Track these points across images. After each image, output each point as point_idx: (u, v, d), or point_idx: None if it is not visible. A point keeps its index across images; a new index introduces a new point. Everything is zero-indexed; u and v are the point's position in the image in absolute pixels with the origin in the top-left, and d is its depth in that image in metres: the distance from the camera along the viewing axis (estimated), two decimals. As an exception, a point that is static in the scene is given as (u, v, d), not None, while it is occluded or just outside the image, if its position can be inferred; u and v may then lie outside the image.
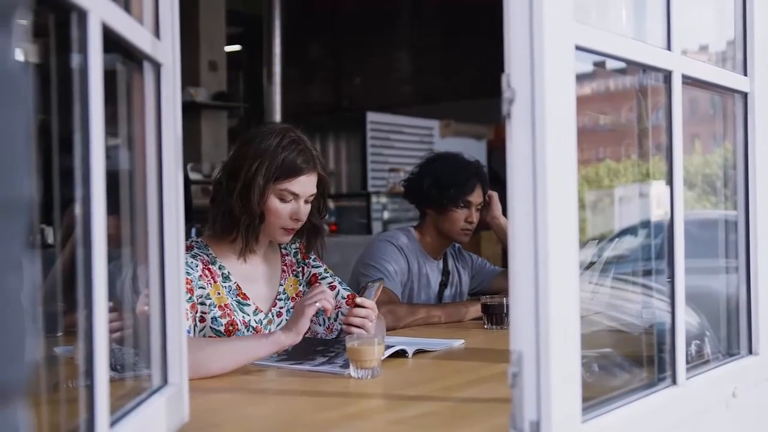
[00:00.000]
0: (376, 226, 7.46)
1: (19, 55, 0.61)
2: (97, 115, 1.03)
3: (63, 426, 1.16)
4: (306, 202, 2.26)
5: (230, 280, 2.25)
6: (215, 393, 1.79)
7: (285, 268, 2.41)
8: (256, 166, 2.19)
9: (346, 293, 2.40)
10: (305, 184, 2.24)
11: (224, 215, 2.23)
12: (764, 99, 1.84)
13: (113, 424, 1.11)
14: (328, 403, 1.71)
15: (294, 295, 2.39)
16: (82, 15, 1.01)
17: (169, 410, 1.36)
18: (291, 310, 2.35)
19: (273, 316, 2.32)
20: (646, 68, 1.57)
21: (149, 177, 1.38)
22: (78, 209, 1.02)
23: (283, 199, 2.23)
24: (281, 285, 2.38)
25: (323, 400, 1.73)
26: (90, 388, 1.03)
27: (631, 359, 1.73)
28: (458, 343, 2.37)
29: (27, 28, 0.64)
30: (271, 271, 2.37)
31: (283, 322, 2.31)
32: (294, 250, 2.45)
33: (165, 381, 1.40)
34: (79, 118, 1.02)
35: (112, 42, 1.13)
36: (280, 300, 2.36)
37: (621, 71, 1.71)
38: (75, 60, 1.03)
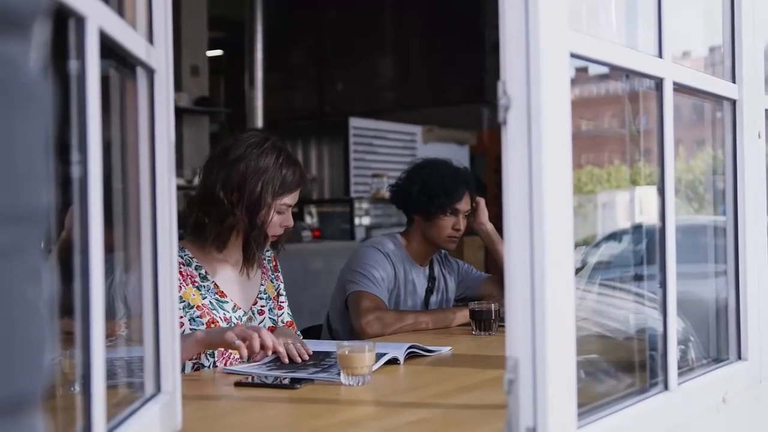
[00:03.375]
0: (359, 232, 7.45)
1: (37, 63, 0.61)
2: (95, 120, 1.03)
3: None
4: (292, 209, 2.38)
5: (208, 280, 2.31)
6: (208, 401, 1.79)
7: (264, 270, 2.49)
8: (261, 185, 2.26)
9: (287, 318, 2.47)
10: (297, 196, 2.37)
11: (228, 230, 2.29)
12: (752, 106, 1.86)
13: (109, 432, 1.10)
14: (320, 411, 1.70)
15: (273, 297, 2.48)
16: (80, 21, 1.00)
17: (163, 418, 1.35)
18: (272, 309, 2.45)
19: (254, 314, 2.40)
20: (638, 75, 1.58)
21: (142, 183, 1.37)
22: (75, 215, 1.01)
23: (280, 212, 2.33)
24: (262, 285, 2.46)
25: (315, 408, 1.72)
26: (87, 396, 1.02)
27: (620, 365, 1.73)
28: (446, 349, 2.37)
29: (45, 36, 0.64)
30: (243, 273, 2.41)
31: (266, 320, 2.41)
32: (268, 258, 2.54)
33: (158, 389, 1.39)
34: (76, 124, 1.01)
35: (107, 48, 1.12)
36: (261, 299, 2.44)
37: (603, 77, 1.72)
38: (72, 66, 1.02)
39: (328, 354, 2.19)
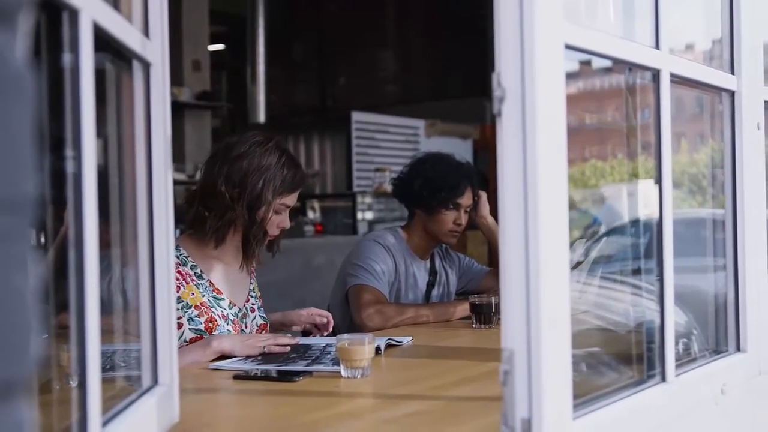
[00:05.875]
0: (362, 227, 7.46)
1: (22, 53, 0.61)
2: (89, 114, 1.03)
3: (53, 427, 1.16)
4: (290, 210, 2.40)
5: (204, 278, 2.33)
6: (205, 393, 1.79)
7: (252, 270, 2.52)
8: (262, 182, 2.29)
9: (260, 321, 2.48)
10: (296, 197, 2.40)
11: (227, 225, 2.31)
12: (751, 97, 1.85)
13: (105, 424, 1.11)
14: (318, 403, 1.70)
15: (259, 296, 2.52)
16: (74, 14, 1.00)
17: (160, 410, 1.36)
18: (261, 307, 2.49)
19: (247, 311, 2.43)
20: (634, 67, 1.58)
21: (138, 177, 1.37)
22: (69, 211, 1.02)
23: (277, 212, 2.35)
24: (251, 284, 2.49)
25: (314, 400, 1.72)
26: (82, 389, 1.02)
27: (620, 357, 1.73)
28: (407, 339, 2.40)
29: (29, 27, 0.64)
30: (242, 270, 2.45)
31: (257, 318, 2.45)
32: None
33: (155, 381, 1.39)
34: (70, 117, 1.02)
35: (102, 41, 1.12)
36: (252, 297, 2.47)
37: (607, 70, 1.72)
38: (66, 59, 1.02)
39: (308, 347, 2.22)
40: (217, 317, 2.29)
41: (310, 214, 7.54)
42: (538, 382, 1.17)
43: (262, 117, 8.49)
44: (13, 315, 0.58)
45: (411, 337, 2.43)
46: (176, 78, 7.34)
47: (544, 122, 1.18)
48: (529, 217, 1.18)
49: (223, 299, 2.35)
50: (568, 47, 1.27)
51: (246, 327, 2.40)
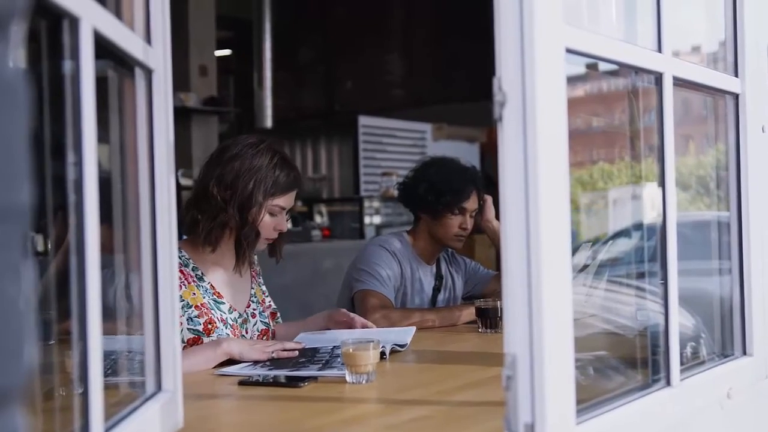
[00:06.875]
0: (369, 231, 7.45)
1: (16, 62, 0.61)
2: (89, 121, 1.03)
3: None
4: (287, 213, 2.40)
5: (204, 281, 2.34)
6: (209, 399, 1.79)
7: (254, 274, 2.53)
8: (253, 183, 2.29)
9: (262, 327, 2.48)
10: (292, 199, 2.39)
11: (219, 227, 2.31)
12: (755, 100, 1.85)
13: (108, 430, 1.11)
14: (323, 409, 1.70)
15: (261, 300, 2.52)
16: (74, 22, 1.00)
17: (164, 417, 1.36)
18: (262, 312, 2.49)
19: (248, 316, 2.43)
20: (637, 70, 1.58)
21: (141, 183, 1.38)
22: (71, 217, 1.02)
23: (272, 214, 2.35)
24: (252, 289, 2.49)
25: (319, 405, 1.72)
26: (84, 395, 1.02)
27: (626, 361, 1.73)
28: (410, 332, 2.42)
29: (23, 35, 0.64)
30: (243, 275, 2.45)
31: (258, 323, 2.45)
32: (255, 263, 2.58)
33: (159, 387, 1.39)
34: (71, 124, 1.02)
35: (103, 48, 1.13)
36: (253, 302, 2.48)
37: (613, 73, 1.72)
38: (66, 66, 1.03)
39: (316, 350, 2.22)
40: (216, 320, 2.29)
41: (318, 219, 7.53)
42: (540, 386, 1.17)
43: (269, 122, 8.49)
44: (4, 323, 0.58)
45: (414, 327, 2.45)
46: (183, 83, 7.34)
47: (544, 126, 1.18)
48: (530, 221, 1.18)
49: (224, 303, 2.35)
50: (569, 51, 1.27)
51: (247, 333, 2.40)
